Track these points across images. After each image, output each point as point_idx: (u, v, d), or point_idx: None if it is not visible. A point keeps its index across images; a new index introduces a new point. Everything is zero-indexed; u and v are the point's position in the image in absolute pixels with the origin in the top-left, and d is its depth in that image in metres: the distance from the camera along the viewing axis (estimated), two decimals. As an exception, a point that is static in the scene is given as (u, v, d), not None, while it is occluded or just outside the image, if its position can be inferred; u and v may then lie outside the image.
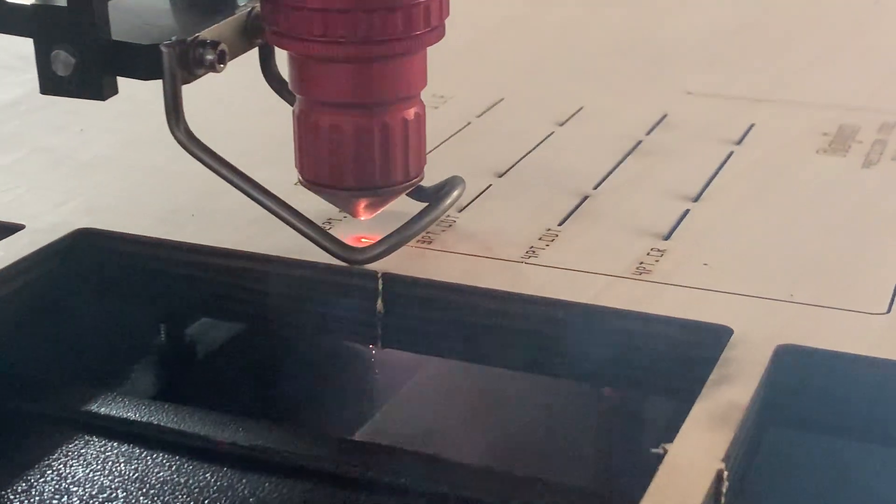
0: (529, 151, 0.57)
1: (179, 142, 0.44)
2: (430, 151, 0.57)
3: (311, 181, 0.46)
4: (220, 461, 0.41)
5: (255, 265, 0.47)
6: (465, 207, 0.51)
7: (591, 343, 0.43)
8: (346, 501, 0.39)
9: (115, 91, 0.44)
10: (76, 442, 0.42)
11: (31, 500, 0.40)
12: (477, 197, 0.52)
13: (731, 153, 0.57)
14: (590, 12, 0.79)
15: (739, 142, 0.58)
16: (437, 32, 0.45)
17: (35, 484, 0.40)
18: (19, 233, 0.49)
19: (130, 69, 0.43)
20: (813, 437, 0.42)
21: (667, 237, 0.48)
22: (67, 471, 0.41)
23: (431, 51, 0.73)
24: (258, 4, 0.45)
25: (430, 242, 0.48)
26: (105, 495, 0.40)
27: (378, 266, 0.46)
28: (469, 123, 0.61)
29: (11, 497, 0.40)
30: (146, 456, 0.42)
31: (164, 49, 0.42)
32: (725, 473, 0.35)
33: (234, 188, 0.45)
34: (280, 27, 0.44)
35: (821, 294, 0.44)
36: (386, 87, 0.45)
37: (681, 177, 0.54)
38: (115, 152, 0.57)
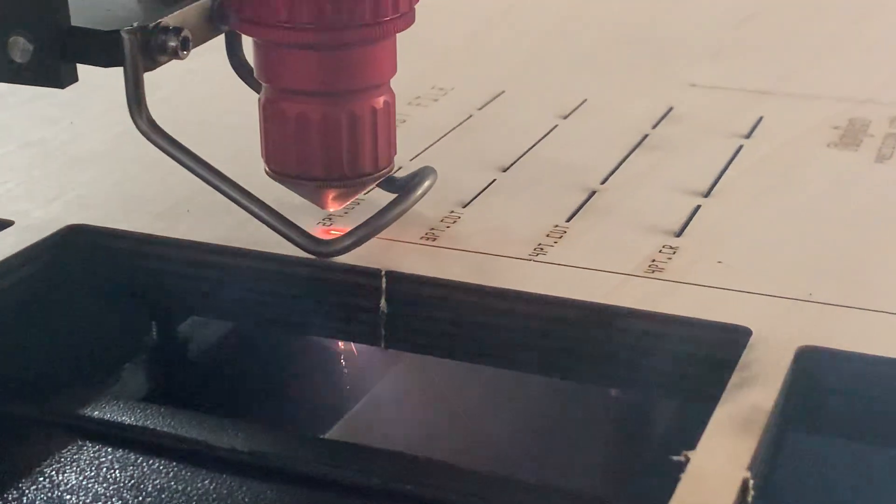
0: (533, 145, 0.56)
1: (142, 131, 0.43)
2: (432, 145, 0.56)
3: (278, 171, 0.45)
4: (218, 467, 0.40)
5: (253, 263, 0.46)
6: (469, 203, 0.50)
7: (603, 344, 0.42)
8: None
9: (74, 79, 0.42)
10: (69, 447, 0.41)
11: (23, 509, 0.38)
12: (481, 192, 0.51)
13: (740, 147, 0.55)
14: (590, 3, 0.77)
15: (748, 135, 0.57)
16: (407, 19, 0.44)
17: (26, 492, 0.39)
18: (8, 229, 0.47)
19: (90, 56, 0.42)
20: (836, 442, 0.41)
21: (678, 234, 0.47)
22: (60, 478, 0.39)
23: (430, 42, 0.72)
24: None
25: (434, 239, 0.47)
26: (99, 503, 0.38)
27: (382, 264, 0.44)
28: (470, 116, 0.59)
29: (1, 506, 0.38)
30: (142, 462, 0.40)
31: (124, 35, 0.41)
32: (751, 482, 0.33)
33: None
34: (245, 13, 0.43)
35: (840, 293, 0.42)
36: (353, 74, 0.43)
37: (690, 171, 0.53)
38: (107, 146, 0.56)
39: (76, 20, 0.41)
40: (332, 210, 0.46)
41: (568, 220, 0.48)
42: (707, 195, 0.50)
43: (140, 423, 0.41)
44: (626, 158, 0.54)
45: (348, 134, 0.44)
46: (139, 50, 0.41)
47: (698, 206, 0.49)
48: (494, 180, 0.52)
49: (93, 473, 0.40)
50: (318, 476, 0.39)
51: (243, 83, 0.49)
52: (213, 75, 0.52)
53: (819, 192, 0.51)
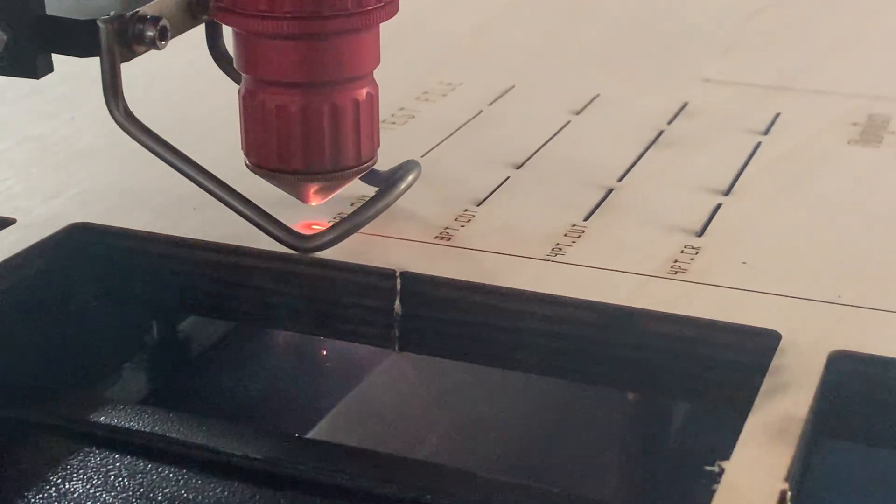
0: (547, 141, 0.54)
1: (118, 122, 0.42)
2: (442, 141, 0.55)
3: (258, 165, 0.44)
4: (231, 475, 0.38)
5: (263, 263, 0.44)
6: (483, 201, 0.49)
7: (625, 348, 0.40)
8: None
9: (50, 69, 0.41)
10: (75, 454, 0.39)
11: (27, 519, 0.37)
12: (495, 190, 0.50)
13: (758, 144, 0.54)
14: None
15: (766, 132, 0.55)
16: (390, 8, 0.43)
17: (32, 501, 0.37)
18: (9, 228, 0.46)
19: (66, 46, 0.41)
20: (871, 452, 0.39)
21: (700, 234, 0.46)
22: (66, 486, 0.38)
23: (437, 36, 0.71)
24: None
25: (448, 239, 0.45)
26: (107, 513, 0.37)
27: (396, 265, 0.43)
28: (481, 112, 0.58)
29: (5, 516, 0.37)
30: (151, 469, 0.39)
31: (101, 25, 0.40)
32: (789, 494, 0.32)
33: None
34: (224, 2, 0.42)
35: (870, 295, 0.41)
36: (335, 65, 0.42)
37: (708, 169, 0.51)
38: (109, 141, 0.54)
39: (51, 9, 0.40)
40: (313, 204, 0.45)
41: (585, 219, 0.47)
42: (727, 193, 0.49)
43: (149, 429, 0.40)
44: (643, 155, 0.53)
45: (330, 126, 0.43)
46: (116, 39, 0.40)
47: (719, 205, 0.48)
48: (508, 178, 0.51)
49: (100, 481, 0.38)
50: (336, 485, 0.37)
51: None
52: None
53: (842, 190, 0.50)
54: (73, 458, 0.39)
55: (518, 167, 0.52)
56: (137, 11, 0.41)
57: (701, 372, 0.39)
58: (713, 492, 0.32)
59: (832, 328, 0.39)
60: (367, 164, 0.45)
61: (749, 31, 0.70)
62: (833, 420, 0.38)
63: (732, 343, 0.39)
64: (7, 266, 0.43)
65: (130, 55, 0.41)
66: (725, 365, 0.39)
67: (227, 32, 0.45)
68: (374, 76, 0.44)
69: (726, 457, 0.33)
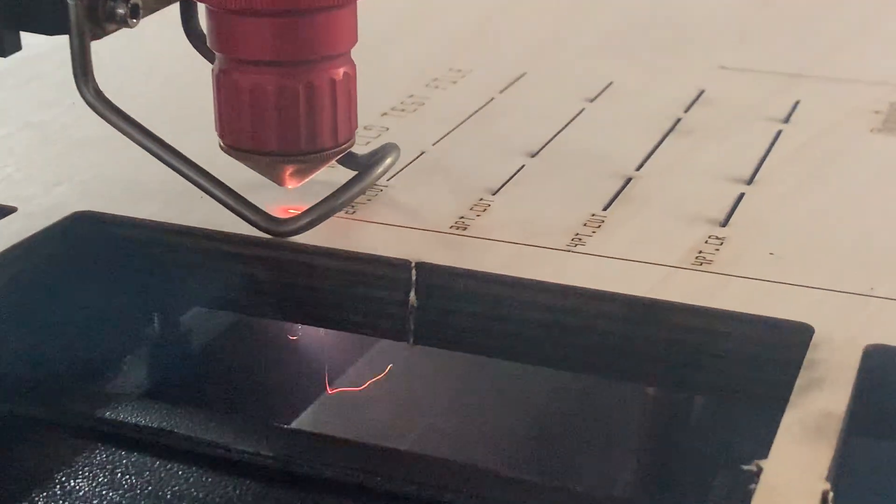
0: (561, 129, 0.53)
1: (88, 102, 0.41)
2: (454, 129, 0.53)
3: (232, 146, 0.43)
4: (242, 473, 0.37)
5: (272, 254, 0.43)
6: (498, 190, 0.47)
7: (651, 342, 0.39)
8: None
9: (17, 47, 0.40)
10: (80, 451, 0.38)
11: (31, 519, 0.35)
12: (510, 179, 0.48)
13: (779, 132, 0.52)
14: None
15: (786, 120, 0.54)
16: None
17: (36, 500, 0.36)
18: (11, 216, 0.44)
19: (35, 24, 0.40)
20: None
21: (724, 223, 0.44)
22: (72, 484, 0.37)
23: (446, 22, 0.69)
24: None
25: (465, 228, 0.44)
26: (114, 512, 0.35)
27: (411, 255, 0.42)
28: (492, 99, 0.57)
29: (8, 515, 0.35)
30: (159, 466, 0.37)
31: (70, 2, 0.39)
32: (831, 495, 0.31)
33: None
34: None
35: (903, 287, 0.40)
36: (311, 43, 0.41)
37: (728, 157, 0.50)
38: (110, 129, 0.52)
39: None
40: (290, 187, 0.44)
41: (605, 209, 0.46)
42: (750, 182, 0.48)
43: (157, 425, 0.38)
44: (661, 144, 0.51)
45: (306, 106, 0.41)
46: (86, 17, 0.39)
47: (742, 194, 0.47)
48: (523, 166, 0.49)
49: (106, 479, 0.37)
50: (350, 483, 0.36)
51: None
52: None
53: (867, 179, 0.48)
54: (78, 456, 0.37)
55: (533, 156, 0.50)
56: None
57: (730, 367, 0.38)
58: (751, 492, 0.30)
59: (866, 321, 0.38)
60: (345, 145, 0.43)
61: (765, 17, 0.68)
62: (871, 416, 0.36)
63: (763, 337, 0.38)
64: (8, 256, 0.42)
65: (101, 33, 0.40)
66: (756, 360, 0.38)
67: (202, 10, 0.43)
68: (351, 55, 0.43)
69: (758, 456, 0.32)
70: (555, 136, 0.52)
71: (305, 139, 0.42)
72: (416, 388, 0.49)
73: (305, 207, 0.42)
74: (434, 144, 0.51)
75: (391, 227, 0.44)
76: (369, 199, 0.46)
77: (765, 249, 0.42)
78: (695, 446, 0.39)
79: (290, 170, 0.43)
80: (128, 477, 0.37)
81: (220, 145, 0.43)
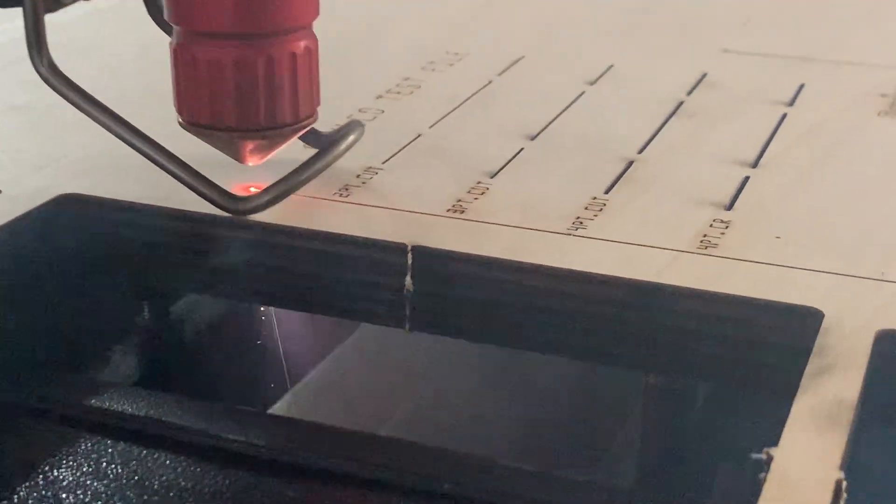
0: (561, 112, 0.52)
1: (42, 76, 0.40)
2: (451, 112, 0.52)
3: (190, 122, 0.41)
4: (230, 462, 0.35)
5: (265, 237, 0.42)
6: (497, 172, 0.46)
7: (656, 328, 0.38)
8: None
9: None
10: (65, 440, 0.36)
11: (13, 510, 0.34)
12: (510, 161, 0.47)
13: (784, 115, 0.51)
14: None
15: (791, 103, 0.53)
16: None
17: (18, 490, 0.35)
18: (-6, 198, 0.43)
19: None
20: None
21: (729, 207, 0.43)
22: (55, 474, 0.35)
23: (442, 3, 0.68)
24: None
25: (462, 212, 0.43)
26: (99, 503, 0.34)
27: (407, 238, 0.40)
28: (490, 82, 0.55)
29: (-11, 506, 0.34)
30: (146, 456, 0.36)
31: None
32: (845, 485, 0.29)
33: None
34: None
35: (915, 271, 0.39)
36: (271, 15, 0.40)
37: (733, 141, 0.49)
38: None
39: None
40: (251, 164, 0.42)
41: (606, 192, 0.44)
42: (755, 166, 0.46)
43: (144, 413, 0.37)
44: (663, 127, 0.50)
45: (265, 80, 0.40)
46: None
47: (747, 178, 0.45)
48: (522, 149, 0.48)
49: (91, 469, 0.35)
50: (347, 474, 0.34)
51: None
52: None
53: (874, 163, 0.47)
54: (62, 444, 0.36)
55: (532, 138, 0.49)
56: None
57: (738, 353, 0.37)
58: (761, 481, 0.29)
59: (877, 306, 0.37)
60: (306, 121, 0.42)
61: (769, 1, 0.67)
62: (883, 403, 0.35)
63: (772, 322, 0.36)
64: (-8, 238, 0.40)
65: (55, 6, 0.39)
66: (765, 346, 0.36)
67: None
68: (313, 29, 0.42)
69: (767, 444, 0.31)
70: (554, 119, 0.51)
71: (265, 114, 0.41)
72: (407, 373, 0.47)
73: (264, 185, 0.42)
74: (431, 127, 0.50)
75: (386, 210, 0.43)
76: (364, 183, 0.45)
77: (771, 233, 0.41)
78: (701, 434, 0.38)
79: (250, 146, 0.42)
80: (113, 466, 0.35)
81: (179, 121, 0.42)
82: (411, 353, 0.47)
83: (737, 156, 0.47)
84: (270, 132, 0.41)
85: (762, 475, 0.30)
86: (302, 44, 0.41)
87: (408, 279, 0.40)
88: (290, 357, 0.46)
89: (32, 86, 0.54)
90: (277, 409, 0.43)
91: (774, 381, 0.36)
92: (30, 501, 0.34)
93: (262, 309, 0.46)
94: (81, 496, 0.34)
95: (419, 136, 0.49)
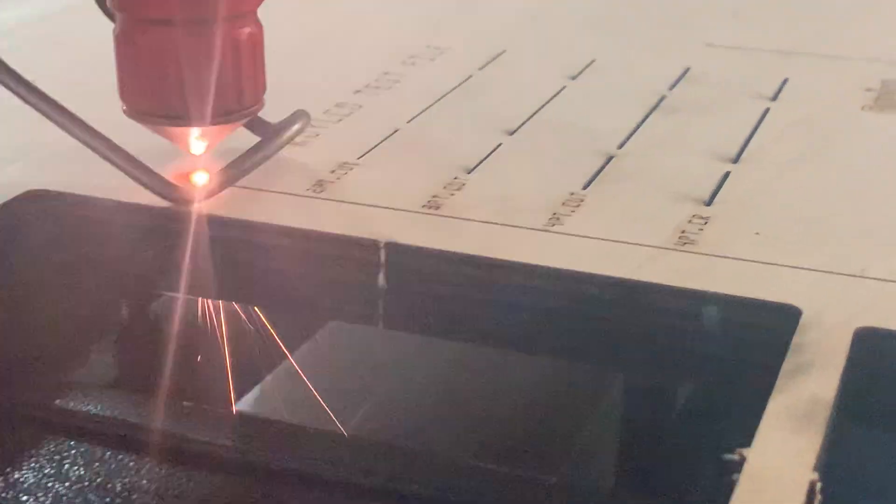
0: (541, 107, 0.51)
1: None
2: (430, 106, 0.51)
3: (135, 110, 0.41)
4: (196, 463, 0.35)
5: (234, 233, 0.41)
6: (474, 168, 0.45)
7: (633, 324, 0.37)
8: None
9: None
10: (27, 441, 0.36)
11: (-28, 512, 0.33)
12: (487, 157, 0.46)
13: (767, 110, 0.51)
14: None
15: (774, 98, 0.52)
16: None
17: (-23, 492, 0.34)
18: (-40, 195, 0.42)
19: None
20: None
21: (708, 203, 0.42)
22: (16, 475, 0.34)
23: (423, 1, 0.67)
24: None
25: (437, 208, 0.42)
26: (61, 505, 0.33)
27: (380, 235, 0.40)
28: (470, 77, 0.55)
29: (-52, 508, 0.33)
30: (110, 458, 0.35)
31: None
32: (819, 486, 0.29)
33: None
34: None
35: (895, 267, 0.38)
36: (213, 2, 0.40)
37: (714, 135, 0.48)
38: (69, 105, 0.50)
39: None
40: (196, 153, 0.42)
41: (585, 188, 0.44)
42: (736, 161, 0.46)
43: (108, 413, 0.36)
44: (644, 121, 0.50)
45: (208, 68, 0.40)
46: None
47: (727, 173, 0.45)
48: (500, 144, 0.47)
49: (53, 470, 0.35)
50: (313, 474, 0.34)
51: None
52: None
53: (857, 158, 0.46)
54: (24, 446, 0.35)
55: (511, 133, 0.48)
56: None
57: (715, 350, 0.36)
58: (734, 482, 0.29)
59: (856, 303, 0.36)
60: (251, 108, 0.42)
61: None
62: (860, 402, 0.34)
63: (749, 319, 0.36)
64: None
65: None
66: (742, 342, 0.36)
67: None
68: (257, 15, 0.42)
69: (743, 443, 0.30)
70: (534, 113, 0.50)
71: (208, 102, 0.40)
72: (378, 370, 0.46)
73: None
74: (409, 122, 0.50)
75: (360, 207, 0.42)
76: (338, 179, 0.44)
77: (751, 229, 0.40)
78: (677, 433, 0.37)
79: (194, 134, 0.42)
80: (76, 468, 0.35)
81: (123, 109, 0.42)
82: (383, 348, 0.46)
83: (718, 151, 0.46)
84: (214, 120, 0.41)
85: (735, 476, 0.29)
86: (245, 31, 0.41)
87: (381, 276, 0.40)
88: (260, 354, 0.46)
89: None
90: (245, 406, 0.42)
91: (753, 379, 0.35)
92: (-10, 503, 0.33)
93: (232, 305, 0.45)
94: (43, 498, 0.34)
95: (396, 130, 0.49)
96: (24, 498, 0.34)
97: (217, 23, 0.39)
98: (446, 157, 0.46)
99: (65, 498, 0.34)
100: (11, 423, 0.36)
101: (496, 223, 0.41)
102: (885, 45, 0.58)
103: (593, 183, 0.44)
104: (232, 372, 0.43)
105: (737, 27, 0.61)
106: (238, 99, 0.41)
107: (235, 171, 0.42)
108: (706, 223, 0.41)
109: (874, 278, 0.37)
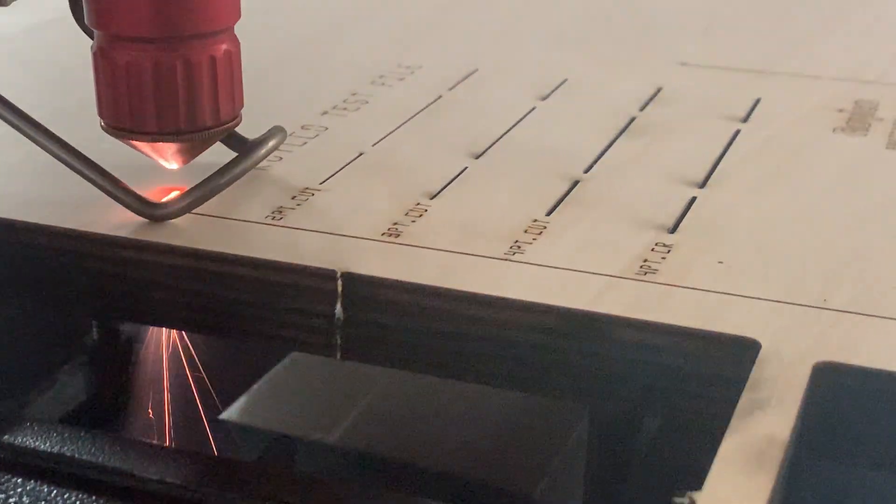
0: (509, 129, 0.50)
1: None
2: (397, 129, 0.51)
3: (111, 125, 0.42)
4: (146, 502, 0.34)
5: (194, 263, 0.40)
6: (437, 194, 0.44)
7: (588, 357, 0.36)
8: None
9: None
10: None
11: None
12: (451, 182, 0.45)
13: (737, 132, 0.50)
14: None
15: (746, 119, 0.51)
16: None
17: (-82, 533, 0.33)
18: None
19: None
20: (859, 472, 0.36)
21: (672, 230, 0.42)
22: (-41, 515, 0.34)
23: (395, 15, 0.67)
24: None
25: (397, 236, 0.41)
26: (5, 545, 0.33)
27: (337, 264, 0.39)
28: (440, 97, 0.54)
29: None
30: (56, 496, 0.34)
31: None
32: (769, 530, 0.28)
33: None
34: None
35: (859, 299, 0.37)
36: (189, 19, 0.40)
37: (683, 159, 0.47)
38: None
39: None
40: (172, 168, 0.43)
41: (548, 214, 0.43)
42: (703, 185, 0.45)
43: (56, 450, 0.35)
44: (612, 144, 0.49)
45: (184, 84, 0.41)
46: None
47: (694, 198, 0.44)
48: (466, 168, 0.47)
49: (-2, 509, 0.34)
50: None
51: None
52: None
53: (828, 182, 0.46)
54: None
55: (477, 157, 0.48)
56: None
57: (671, 385, 0.35)
58: (681, 528, 0.28)
59: (817, 336, 0.35)
60: (228, 124, 0.42)
61: (727, 11, 0.66)
62: (818, 439, 0.34)
63: (707, 353, 0.35)
64: None
65: None
66: (698, 377, 0.35)
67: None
68: (234, 32, 0.42)
69: (698, 484, 0.29)
70: (502, 136, 0.50)
71: (185, 117, 0.41)
72: (337, 400, 0.46)
73: (183, 189, 0.42)
74: (374, 145, 0.49)
75: (318, 234, 0.41)
76: (298, 205, 0.43)
77: (714, 258, 0.40)
78: (624, 474, 0.37)
79: (171, 149, 0.42)
80: (21, 507, 0.34)
81: (101, 125, 0.42)
82: (340, 380, 0.45)
83: (685, 175, 0.46)
84: (191, 135, 0.42)
85: (684, 521, 0.28)
86: (222, 47, 0.41)
87: (338, 307, 0.39)
88: (212, 387, 0.45)
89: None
90: (196, 442, 0.42)
91: (707, 416, 0.34)
92: (-70, 545, 0.33)
93: (183, 336, 0.45)
94: (-14, 538, 0.33)
95: (361, 154, 0.48)
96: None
97: (193, 40, 0.40)
98: (410, 181, 0.45)
99: (7, 538, 0.33)
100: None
101: (456, 252, 0.40)
102: (859, 63, 0.57)
103: (557, 209, 0.43)
104: (181, 406, 0.43)
105: (711, 45, 0.60)
106: (214, 115, 0.42)
107: (212, 185, 0.42)
108: (669, 251, 0.40)
109: (836, 309, 0.37)
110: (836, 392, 0.34)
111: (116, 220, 0.41)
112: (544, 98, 0.54)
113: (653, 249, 0.40)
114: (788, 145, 0.49)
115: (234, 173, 0.43)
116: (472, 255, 0.40)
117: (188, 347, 0.44)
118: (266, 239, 0.41)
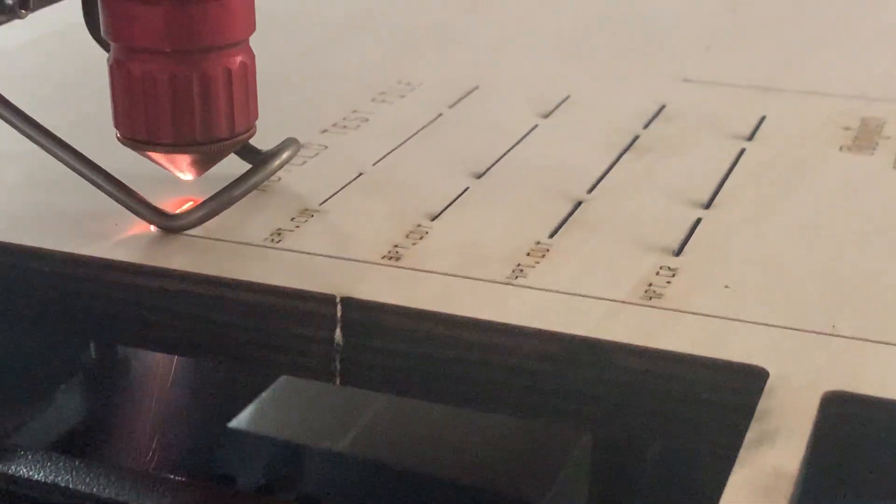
0: (511, 148, 0.50)
1: None
2: (397, 147, 0.50)
3: (128, 137, 0.42)
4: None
5: (192, 287, 0.40)
6: (438, 215, 0.44)
7: (591, 384, 0.36)
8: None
9: None
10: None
11: None
12: (452, 202, 0.45)
13: (742, 150, 0.49)
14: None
15: (751, 137, 0.51)
16: None
17: None
18: None
19: None
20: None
21: (678, 252, 0.41)
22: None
23: (396, 31, 0.66)
24: None
25: (398, 259, 0.41)
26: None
27: (337, 288, 0.38)
28: (440, 115, 0.53)
29: None
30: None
31: None
32: (779, 569, 0.27)
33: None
34: None
35: (869, 325, 0.37)
36: (205, 32, 0.40)
37: (688, 178, 0.47)
38: (20, 147, 0.48)
39: None
40: (189, 178, 0.43)
41: (551, 236, 0.42)
42: (708, 206, 0.44)
43: (51, 480, 0.35)
44: (616, 163, 0.48)
45: (200, 96, 0.41)
46: None
47: (699, 220, 0.43)
48: (467, 188, 0.46)
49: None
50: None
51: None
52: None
53: (835, 203, 0.45)
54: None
55: (478, 176, 0.47)
56: None
57: (677, 414, 0.35)
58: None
59: (826, 364, 0.35)
60: (243, 136, 0.43)
61: (732, 27, 0.65)
62: (828, 471, 0.33)
63: (713, 381, 0.34)
64: None
65: None
66: (705, 406, 0.34)
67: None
68: (249, 44, 0.42)
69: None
70: (503, 155, 0.49)
71: (200, 129, 0.41)
72: (334, 424, 0.45)
73: (198, 200, 0.42)
74: (374, 164, 0.48)
75: (318, 258, 0.41)
76: (297, 227, 0.43)
77: (720, 282, 0.39)
78: (639, 498, 0.36)
79: (186, 161, 0.43)
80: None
81: (118, 136, 0.42)
82: (339, 406, 0.45)
83: (690, 195, 0.45)
84: (206, 147, 0.42)
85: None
86: (237, 59, 0.41)
87: (337, 332, 0.38)
88: (211, 412, 0.44)
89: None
90: (193, 468, 0.41)
91: (715, 447, 0.34)
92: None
93: (181, 361, 0.44)
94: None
95: (361, 174, 0.47)
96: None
97: (208, 52, 0.40)
98: (411, 202, 0.45)
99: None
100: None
101: (457, 275, 0.40)
102: (865, 80, 0.57)
103: (560, 231, 0.43)
104: (176, 431, 0.42)
105: (714, 61, 0.60)
106: (230, 127, 0.42)
107: (227, 196, 0.42)
108: (674, 275, 0.39)
109: (845, 336, 0.36)
110: (845, 422, 0.33)
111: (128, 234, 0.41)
112: (546, 115, 0.53)
113: (657, 273, 0.40)
114: (794, 164, 0.48)
115: (249, 185, 0.43)
116: (474, 278, 0.39)
117: (186, 372, 0.44)
118: (265, 262, 0.40)
